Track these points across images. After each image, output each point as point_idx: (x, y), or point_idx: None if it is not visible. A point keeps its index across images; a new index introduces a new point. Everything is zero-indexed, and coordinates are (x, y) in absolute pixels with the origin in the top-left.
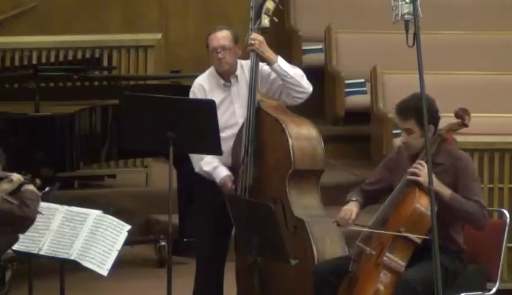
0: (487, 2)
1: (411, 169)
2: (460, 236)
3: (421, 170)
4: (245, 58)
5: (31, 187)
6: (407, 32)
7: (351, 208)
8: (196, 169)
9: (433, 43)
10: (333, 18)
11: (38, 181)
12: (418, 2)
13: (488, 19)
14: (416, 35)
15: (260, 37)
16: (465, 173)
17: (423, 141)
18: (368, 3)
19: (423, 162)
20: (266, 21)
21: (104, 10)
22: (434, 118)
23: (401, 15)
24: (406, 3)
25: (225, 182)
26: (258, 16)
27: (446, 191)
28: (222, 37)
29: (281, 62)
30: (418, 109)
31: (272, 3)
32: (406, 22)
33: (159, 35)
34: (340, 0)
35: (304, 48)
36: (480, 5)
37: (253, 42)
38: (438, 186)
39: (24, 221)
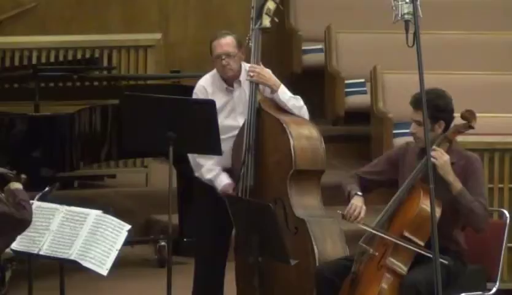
0: (487, 2)
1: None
2: (460, 236)
3: (440, 157)
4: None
5: (20, 186)
6: (407, 32)
7: (360, 204)
8: (196, 174)
9: (433, 43)
10: (333, 18)
11: (23, 176)
12: (418, 2)
13: (488, 19)
14: (416, 35)
15: (259, 68)
16: (474, 175)
17: (431, 135)
18: (368, 3)
19: (442, 150)
20: (267, 21)
21: (104, 10)
22: (448, 116)
23: (401, 15)
24: (406, 3)
25: (227, 190)
26: (259, 16)
27: (457, 184)
28: (226, 43)
29: (281, 93)
30: (431, 103)
31: (273, 3)
32: (406, 22)
33: (159, 35)
34: (340, 0)
35: (304, 48)
36: (480, 5)
37: (252, 74)
38: (451, 177)
39: (23, 224)
